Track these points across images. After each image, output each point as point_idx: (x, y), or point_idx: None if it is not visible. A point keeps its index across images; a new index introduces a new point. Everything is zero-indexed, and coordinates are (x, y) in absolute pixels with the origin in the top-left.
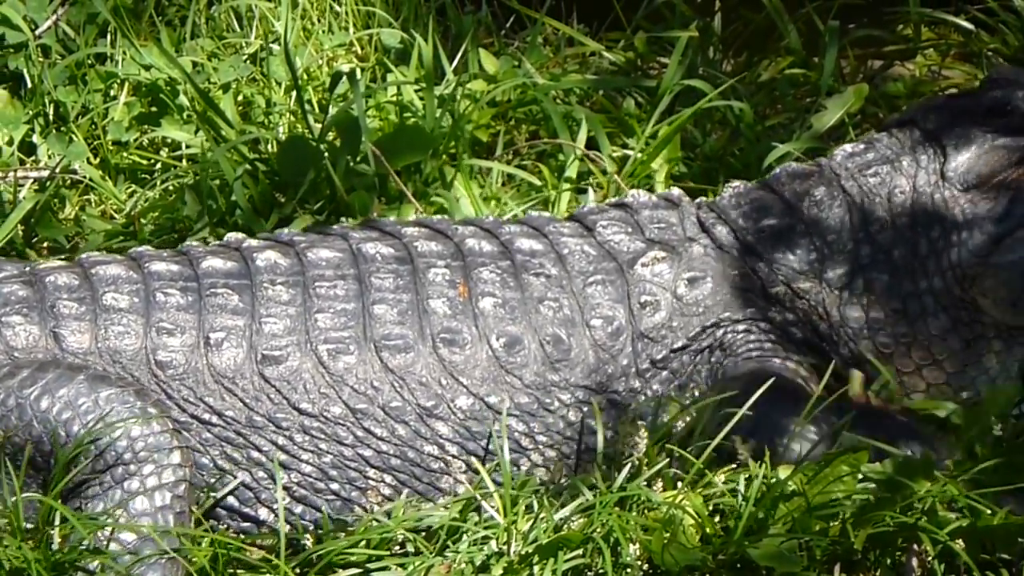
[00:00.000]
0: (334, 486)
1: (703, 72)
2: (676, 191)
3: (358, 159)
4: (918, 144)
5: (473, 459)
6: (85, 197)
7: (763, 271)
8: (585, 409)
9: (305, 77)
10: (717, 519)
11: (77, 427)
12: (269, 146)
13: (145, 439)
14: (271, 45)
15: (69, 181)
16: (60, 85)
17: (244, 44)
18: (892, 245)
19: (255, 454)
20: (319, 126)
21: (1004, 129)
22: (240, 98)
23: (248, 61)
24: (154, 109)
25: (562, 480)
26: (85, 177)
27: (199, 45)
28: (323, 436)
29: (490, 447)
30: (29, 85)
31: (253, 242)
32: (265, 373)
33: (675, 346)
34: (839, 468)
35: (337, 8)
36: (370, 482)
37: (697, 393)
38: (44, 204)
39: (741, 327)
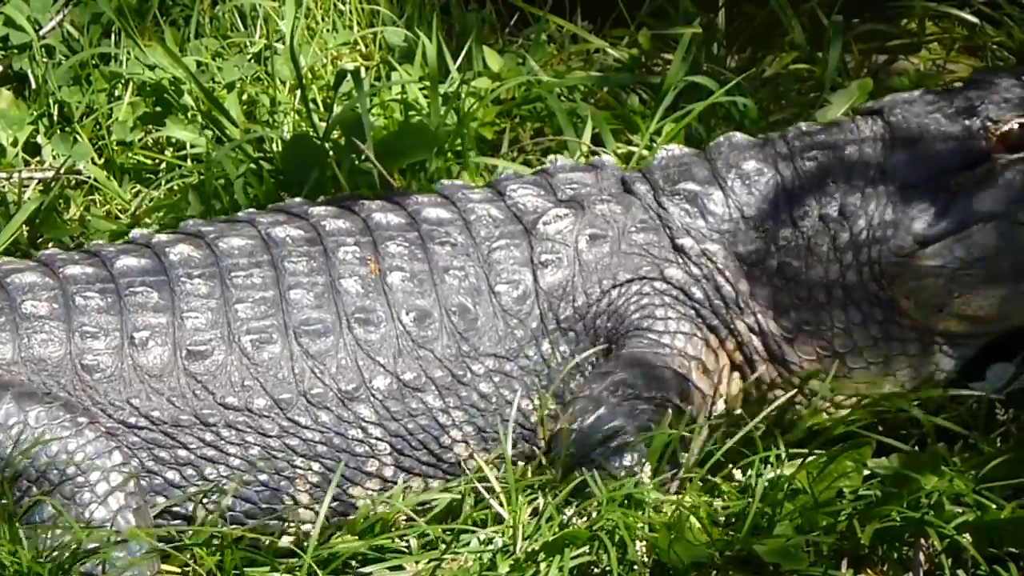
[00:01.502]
0: (263, 477)
1: (707, 68)
2: (607, 158)
3: (363, 158)
4: (874, 136)
5: (396, 440)
6: (90, 197)
7: (674, 225)
8: (497, 379)
9: (309, 76)
10: (723, 517)
11: (11, 450)
12: (274, 145)
13: (83, 449)
14: (275, 44)
15: (74, 181)
16: (64, 85)
17: (248, 43)
18: (813, 232)
19: (182, 453)
20: (324, 125)
21: (964, 132)
22: (244, 97)
23: (252, 60)
24: (158, 109)
25: (481, 460)
26: (90, 177)
27: (203, 44)
28: (249, 429)
29: (410, 426)
30: (33, 85)
31: (162, 237)
32: (191, 369)
33: (577, 303)
34: (844, 464)
35: (341, 7)
36: (297, 471)
37: (595, 358)
38: (49, 205)
39: (635, 287)
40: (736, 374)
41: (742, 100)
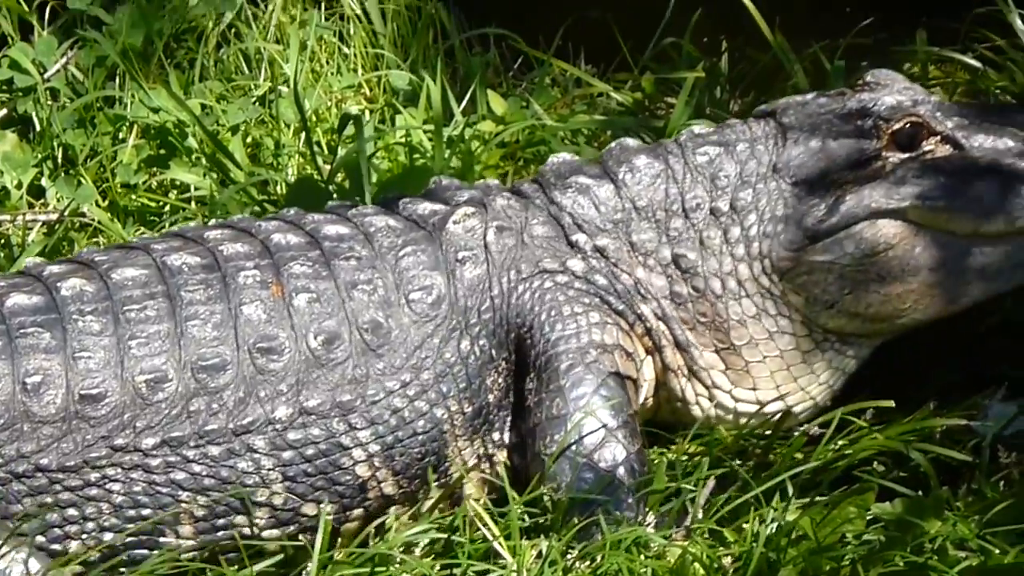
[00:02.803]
0: (146, 512)
1: (710, 112)
2: (493, 181)
3: (366, 201)
4: (766, 135)
5: (289, 468)
6: (94, 240)
7: (565, 220)
8: (412, 392)
9: (314, 119)
10: (727, 562)
11: None
12: (278, 188)
13: None
14: (280, 87)
15: (78, 224)
16: (69, 128)
17: (253, 86)
18: (704, 225)
19: (65, 496)
20: (328, 167)
21: (856, 131)
22: (249, 140)
23: (257, 103)
24: (163, 151)
25: (383, 477)
26: (94, 220)
27: (208, 88)
28: (134, 466)
29: (309, 452)
30: (38, 128)
31: (55, 268)
32: (84, 413)
33: (494, 294)
34: (847, 509)
35: (346, 50)
36: (182, 505)
37: (510, 351)
38: (53, 247)
39: (538, 281)
40: (650, 358)
41: None
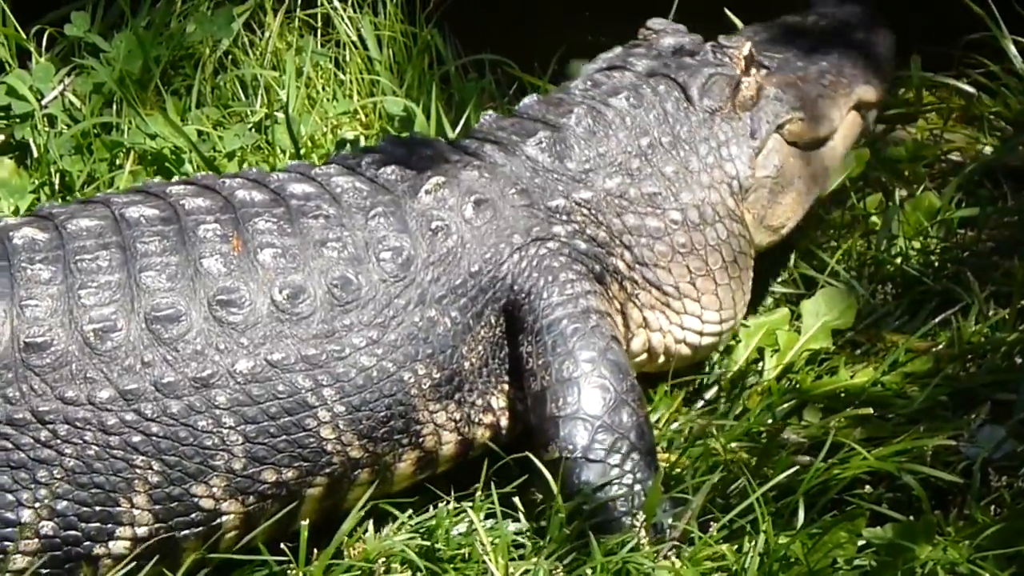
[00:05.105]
0: (99, 479)
1: None
2: (439, 140)
3: None
4: (650, 77)
5: (251, 427)
6: None
7: (540, 186)
8: (380, 351)
9: (310, 144)
10: None
11: None
12: None
13: None
14: (276, 113)
15: None
16: (66, 154)
17: (249, 112)
18: (663, 161)
19: (17, 455)
20: None
21: (716, 62)
22: (245, 166)
23: (253, 129)
24: (159, 177)
25: (348, 440)
26: None
27: (204, 114)
28: (88, 426)
29: (272, 410)
30: (35, 154)
31: (10, 220)
32: (29, 362)
33: (472, 270)
34: (838, 534)
35: (341, 76)
36: (137, 470)
37: (493, 320)
38: None
39: (532, 250)
40: (620, 317)
41: None
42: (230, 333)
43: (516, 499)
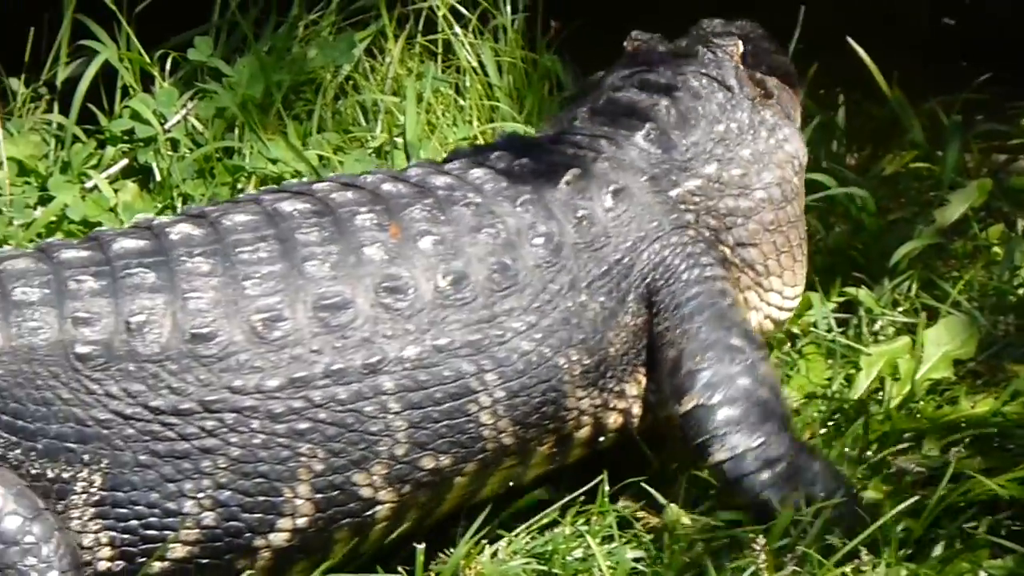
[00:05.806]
0: (263, 467)
1: (826, 165)
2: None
3: None
4: (681, 75)
5: (415, 412)
6: None
7: (661, 175)
8: (538, 336)
9: None
10: None
11: None
12: None
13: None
14: (396, 139)
15: None
16: (188, 178)
17: (370, 137)
18: (738, 146)
19: (181, 445)
20: None
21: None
22: None
23: (373, 155)
24: None
25: (503, 427)
26: None
27: (325, 139)
28: (255, 414)
29: (437, 395)
30: (158, 178)
31: (164, 219)
32: (196, 352)
33: (615, 258)
34: (959, 565)
35: (461, 102)
36: (302, 459)
37: (634, 307)
38: None
39: (674, 238)
40: None
41: (859, 192)
42: (396, 319)
43: (635, 522)
